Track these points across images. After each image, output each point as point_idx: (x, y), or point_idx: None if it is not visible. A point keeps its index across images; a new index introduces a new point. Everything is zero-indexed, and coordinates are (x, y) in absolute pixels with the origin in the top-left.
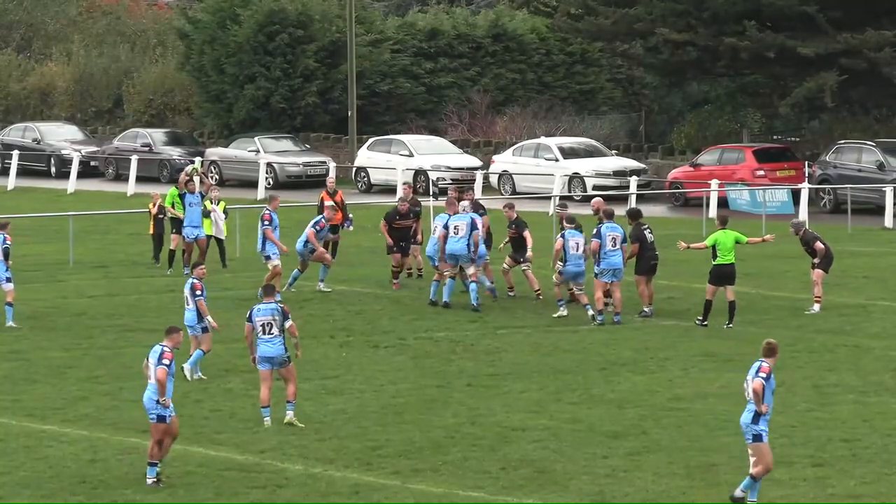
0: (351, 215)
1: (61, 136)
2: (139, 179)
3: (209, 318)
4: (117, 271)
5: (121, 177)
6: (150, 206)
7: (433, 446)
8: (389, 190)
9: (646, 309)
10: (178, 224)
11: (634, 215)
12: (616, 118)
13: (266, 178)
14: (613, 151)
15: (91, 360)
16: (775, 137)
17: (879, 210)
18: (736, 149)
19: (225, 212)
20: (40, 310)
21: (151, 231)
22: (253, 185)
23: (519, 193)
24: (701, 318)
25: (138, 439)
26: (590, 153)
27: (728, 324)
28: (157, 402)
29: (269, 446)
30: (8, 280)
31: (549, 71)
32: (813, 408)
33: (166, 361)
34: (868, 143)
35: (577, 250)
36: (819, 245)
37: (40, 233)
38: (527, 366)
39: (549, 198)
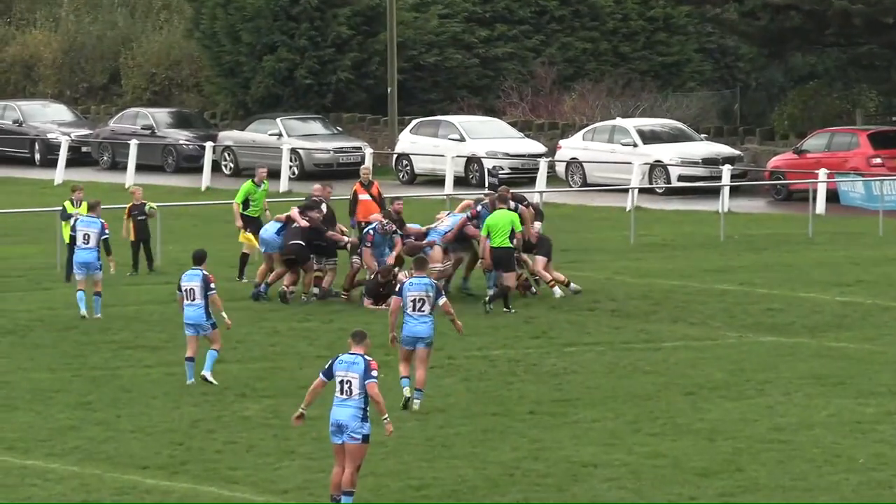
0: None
1: (47, 116)
2: (139, 168)
3: (224, 314)
4: (114, 277)
5: (118, 165)
6: (134, 203)
7: (489, 485)
8: (437, 181)
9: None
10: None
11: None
12: (706, 96)
13: (290, 167)
14: (703, 135)
15: (82, 382)
16: (894, 119)
17: None
18: (848, 132)
19: (147, 213)
20: (23, 323)
21: (132, 237)
22: (275, 174)
23: (591, 185)
24: None
25: (138, 477)
26: (674, 137)
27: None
28: (363, 421)
29: (293, 485)
30: None
31: (627, 40)
32: None
33: (375, 373)
34: None
35: None
36: None
37: (23, 231)
38: (599, 390)
39: (627, 190)
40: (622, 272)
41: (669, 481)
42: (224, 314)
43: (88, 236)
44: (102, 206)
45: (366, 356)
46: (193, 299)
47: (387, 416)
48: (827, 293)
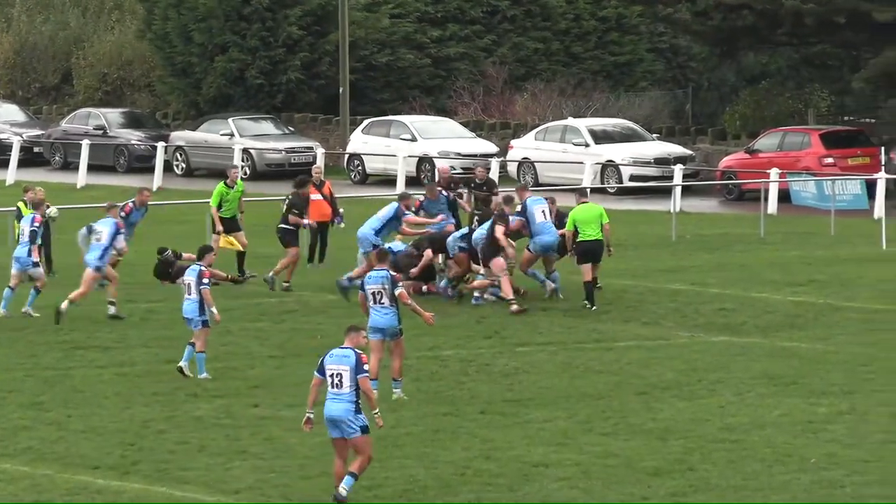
0: (342, 210)
1: None
2: (91, 168)
3: (214, 309)
4: (67, 277)
5: (69, 165)
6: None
7: (440, 485)
8: (389, 181)
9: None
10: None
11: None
12: (658, 96)
13: (242, 167)
14: (655, 135)
15: (34, 382)
16: (846, 119)
17: None
18: (800, 132)
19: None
20: None
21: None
22: (226, 174)
23: (542, 185)
24: None
25: (89, 477)
26: (626, 137)
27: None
28: (357, 413)
29: (244, 485)
30: None
31: (579, 40)
32: (891, 439)
33: (367, 367)
34: None
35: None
36: None
37: None
38: (552, 390)
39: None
40: (575, 272)
41: (621, 481)
42: (214, 309)
43: (24, 232)
44: (58, 206)
45: (357, 350)
46: (189, 293)
47: (377, 410)
48: (779, 293)
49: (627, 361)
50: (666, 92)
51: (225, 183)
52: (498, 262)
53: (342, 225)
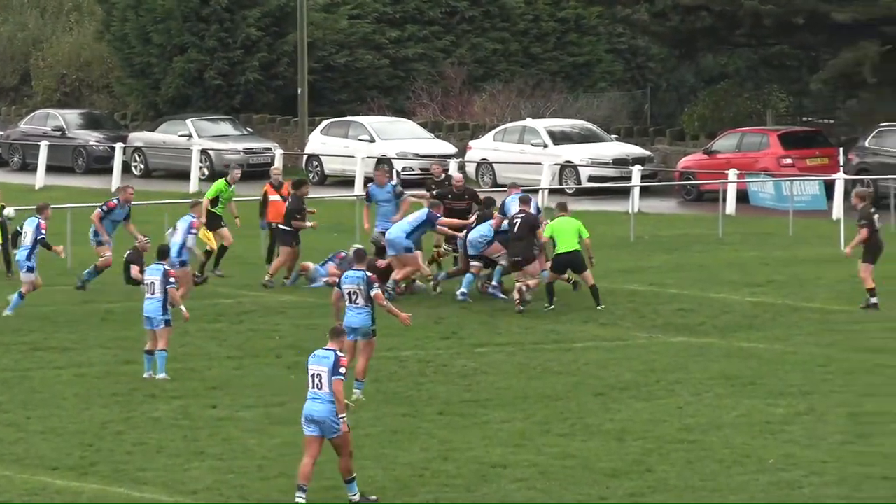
0: (314, 211)
1: None
2: (50, 170)
3: (183, 307)
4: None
5: (28, 166)
6: None
7: (398, 486)
8: (347, 182)
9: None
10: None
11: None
12: (616, 96)
13: (200, 168)
14: (613, 136)
15: None
16: (805, 119)
17: None
18: (758, 133)
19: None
20: None
21: None
22: (185, 175)
23: (501, 186)
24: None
25: (48, 478)
26: (585, 138)
27: None
28: (339, 413)
29: (202, 486)
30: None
31: (537, 40)
32: (849, 440)
33: (343, 370)
34: None
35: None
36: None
37: None
38: (510, 391)
39: (537, 190)
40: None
41: (579, 482)
42: (183, 308)
43: (25, 234)
44: (16, 207)
45: (338, 352)
46: (153, 293)
47: (344, 416)
48: (737, 293)
49: (585, 362)
50: (624, 93)
51: (226, 179)
52: (534, 266)
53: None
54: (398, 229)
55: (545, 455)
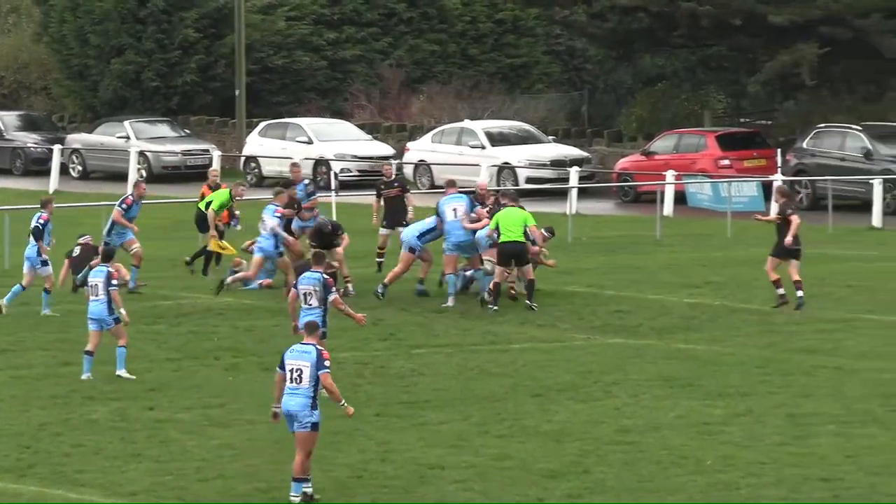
0: (238, 213)
1: None
2: None
3: (123, 310)
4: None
5: None
6: None
7: (336, 487)
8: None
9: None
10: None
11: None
12: (554, 98)
13: (138, 170)
14: (551, 137)
15: None
16: (743, 121)
17: (866, 206)
18: (696, 134)
19: None
20: None
21: None
22: (122, 177)
23: (438, 187)
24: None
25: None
26: (523, 139)
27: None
28: (313, 409)
29: (140, 487)
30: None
31: (475, 42)
32: (787, 441)
33: (328, 363)
34: (853, 127)
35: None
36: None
37: None
38: (447, 392)
39: (474, 192)
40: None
41: (517, 483)
42: (123, 311)
43: None
44: None
45: (318, 346)
46: (97, 295)
47: (343, 402)
48: (675, 295)
49: (523, 363)
50: (562, 94)
51: (230, 192)
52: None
53: (238, 227)
54: (415, 230)
55: (483, 456)
